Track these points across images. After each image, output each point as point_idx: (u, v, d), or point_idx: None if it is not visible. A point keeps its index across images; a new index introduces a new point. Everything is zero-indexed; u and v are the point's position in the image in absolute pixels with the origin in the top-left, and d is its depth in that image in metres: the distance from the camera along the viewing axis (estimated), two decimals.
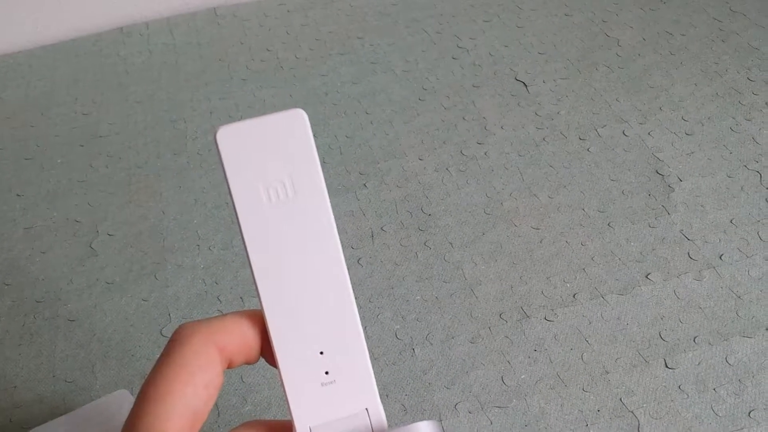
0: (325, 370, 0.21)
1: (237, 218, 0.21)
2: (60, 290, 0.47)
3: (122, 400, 0.38)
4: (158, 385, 0.19)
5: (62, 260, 0.49)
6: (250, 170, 0.21)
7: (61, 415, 0.40)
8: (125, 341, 0.44)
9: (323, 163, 0.54)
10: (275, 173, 0.21)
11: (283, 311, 0.21)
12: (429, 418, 0.38)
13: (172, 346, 0.20)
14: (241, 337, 0.21)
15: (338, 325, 0.21)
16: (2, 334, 0.45)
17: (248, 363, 0.22)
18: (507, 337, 0.42)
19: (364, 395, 0.21)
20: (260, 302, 0.21)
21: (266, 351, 0.22)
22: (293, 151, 0.21)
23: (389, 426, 0.21)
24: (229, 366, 0.21)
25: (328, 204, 0.21)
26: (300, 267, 0.21)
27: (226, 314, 0.22)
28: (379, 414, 0.21)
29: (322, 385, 0.21)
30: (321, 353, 0.21)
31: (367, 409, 0.21)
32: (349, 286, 0.21)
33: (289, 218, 0.21)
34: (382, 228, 0.49)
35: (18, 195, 0.55)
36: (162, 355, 0.20)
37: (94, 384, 0.41)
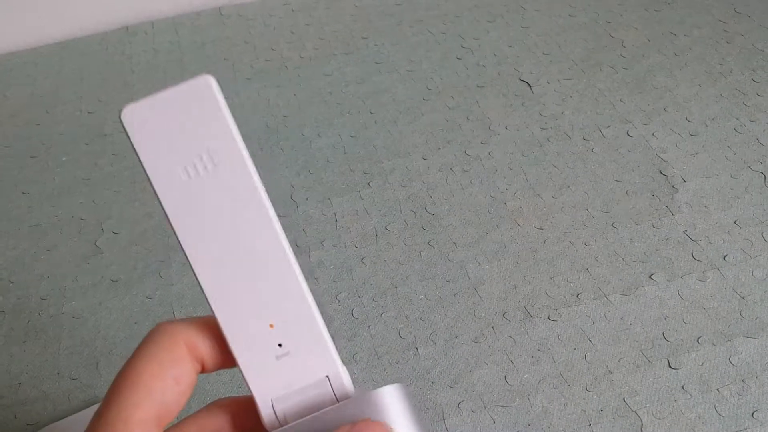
0: (278, 343, 0.21)
1: (159, 202, 0.20)
2: (65, 288, 0.47)
3: None
4: (127, 376, 0.20)
5: (67, 258, 0.49)
6: (164, 149, 0.20)
7: (65, 412, 0.40)
8: (130, 339, 0.44)
9: (327, 162, 0.54)
10: (190, 148, 0.20)
11: (224, 289, 0.20)
12: (431, 417, 0.38)
13: (145, 341, 0.21)
14: (213, 339, 0.21)
15: (284, 295, 0.21)
16: (7, 331, 0.45)
17: (224, 367, 0.22)
18: (510, 336, 0.42)
19: (322, 363, 0.21)
20: (198, 283, 0.20)
21: None
22: (205, 121, 0.20)
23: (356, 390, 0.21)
24: (204, 369, 0.21)
25: (253, 170, 0.20)
26: (234, 242, 0.20)
27: (203, 316, 0.22)
28: (340, 379, 0.21)
29: (277, 358, 0.21)
30: (271, 326, 0.21)
31: (327, 376, 0.21)
32: (290, 253, 0.20)
33: (214, 192, 0.20)
34: (386, 227, 0.49)
35: (23, 193, 0.55)
36: (135, 350, 0.21)
37: (98, 381, 0.42)
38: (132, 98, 0.68)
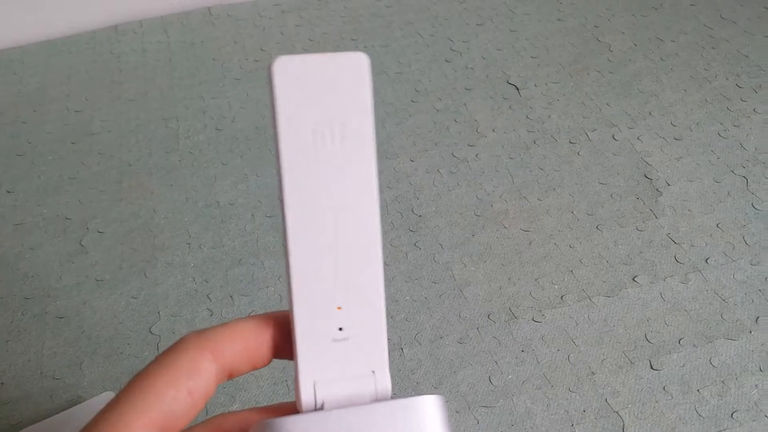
0: (340, 327, 0.20)
1: (278, 154, 0.20)
2: (49, 287, 0.47)
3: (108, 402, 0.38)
4: (141, 380, 0.19)
5: (52, 257, 0.49)
6: (302, 106, 0.20)
7: (48, 411, 0.40)
8: (114, 339, 0.44)
9: None
10: (327, 114, 0.20)
11: (309, 259, 0.20)
12: None
13: (168, 348, 0.20)
14: (244, 343, 0.21)
15: (361, 282, 0.21)
16: None
17: (256, 368, 0.22)
18: (495, 337, 0.42)
19: (374, 357, 0.21)
20: (286, 246, 0.20)
21: (282, 349, 0.21)
22: (349, 95, 0.20)
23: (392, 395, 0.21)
24: (232, 375, 0.21)
25: (374, 156, 0.20)
26: (334, 217, 0.20)
27: (232, 321, 0.21)
28: (385, 378, 0.21)
29: (333, 341, 0.20)
30: (338, 308, 0.20)
31: (374, 371, 0.21)
32: (380, 244, 0.21)
33: (333, 163, 0.20)
34: None
35: (8, 191, 0.55)
36: (157, 355, 0.20)
37: (81, 381, 0.41)
38: (119, 97, 0.67)
